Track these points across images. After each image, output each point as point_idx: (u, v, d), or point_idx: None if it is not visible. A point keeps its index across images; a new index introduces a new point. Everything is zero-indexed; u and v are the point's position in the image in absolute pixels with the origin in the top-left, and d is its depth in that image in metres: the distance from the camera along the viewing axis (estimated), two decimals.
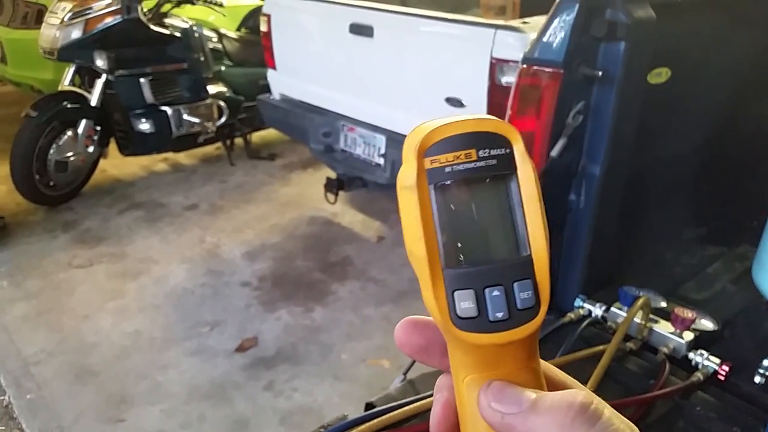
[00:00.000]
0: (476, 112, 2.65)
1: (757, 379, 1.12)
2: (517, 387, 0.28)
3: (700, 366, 1.18)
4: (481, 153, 0.28)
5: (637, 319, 1.25)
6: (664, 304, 1.34)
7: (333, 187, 3.31)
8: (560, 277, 1.46)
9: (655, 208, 1.69)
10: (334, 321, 2.78)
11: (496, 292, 0.27)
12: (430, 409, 0.99)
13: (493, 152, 0.28)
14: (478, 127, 0.28)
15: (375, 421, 0.96)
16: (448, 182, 0.28)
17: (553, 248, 1.45)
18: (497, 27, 2.51)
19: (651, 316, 1.27)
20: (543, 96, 1.29)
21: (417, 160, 0.29)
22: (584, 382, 0.94)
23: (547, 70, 1.28)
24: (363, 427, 0.95)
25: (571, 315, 1.33)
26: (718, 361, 1.17)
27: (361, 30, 2.98)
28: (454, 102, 2.70)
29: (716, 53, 1.64)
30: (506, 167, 0.28)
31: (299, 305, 2.88)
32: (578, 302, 1.37)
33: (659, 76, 1.52)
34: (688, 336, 1.23)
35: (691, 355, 1.21)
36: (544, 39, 1.28)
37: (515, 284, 0.28)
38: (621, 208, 1.46)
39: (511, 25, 2.54)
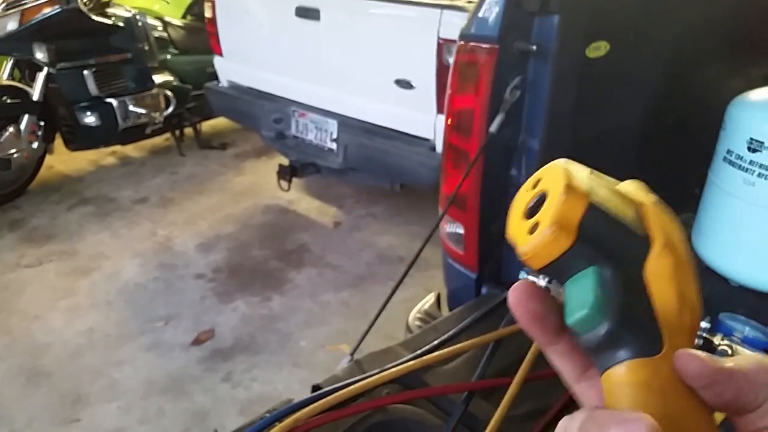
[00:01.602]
0: (425, 93, 2.65)
1: (696, 341, 1.15)
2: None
3: None
4: None
5: None
6: None
7: (286, 174, 3.29)
8: (505, 251, 1.48)
9: None
10: (292, 309, 2.77)
11: None
12: (376, 388, 0.99)
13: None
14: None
15: (320, 402, 0.96)
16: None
17: (498, 222, 1.47)
18: (443, 7, 2.52)
19: None
20: (480, 72, 1.30)
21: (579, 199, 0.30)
22: (524, 354, 0.95)
23: (483, 46, 1.28)
24: (308, 409, 0.95)
25: None
26: None
27: (307, 13, 2.96)
28: (404, 84, 2.70)
29: (655, 26, 1.67)
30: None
31: (256, 295, 2.86)
32: (522, 275, 1.39)
33: (597, 50, 1.54)
34: None
35: None
36: (479, 15, 1.29)
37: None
38: None
39: (456, 5, 2.55)
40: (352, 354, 1.24)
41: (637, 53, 1.63)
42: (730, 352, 1.11)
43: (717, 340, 1.14)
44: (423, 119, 2.67)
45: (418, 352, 1.15)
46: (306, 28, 2.99)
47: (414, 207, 3.52)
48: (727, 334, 1.15)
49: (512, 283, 1.11)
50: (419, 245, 1.55)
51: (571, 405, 1.05)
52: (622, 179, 0.34)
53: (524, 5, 1.25)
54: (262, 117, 3.29)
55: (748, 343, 1.13)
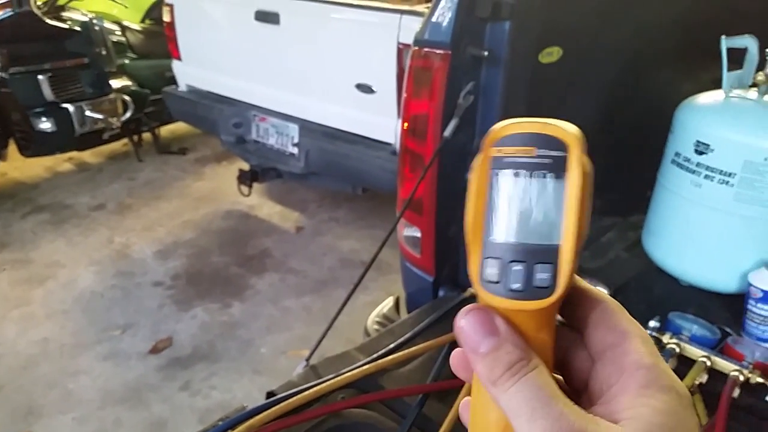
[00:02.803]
0: (386, 97, 2.64)
1: None
2: (499, 322, 0.32)
3: None
4: (539, 152, 0.32)
5: None
6: None
7: (246, 179, 3.26)
8: (462, 254, 1.49)
9: None
10: (252, 315, 2.75)
11: (517, 267, 0.32)
12: (331, 393, 0.98)
13: (551, 153, 0.32)
14: (544, 130, 0.32)
15: (274, 408, 0.96)
16: (506, 170, 0.32)
17: (455, 226, 1.49)
18: (402, 12, 2.54)
19: None
20: (434, 77, 1.31)
21: (485, 148, 0.33)
22: None
23: (436, 51, 1.29)
24: (262, 415, 0.94)
25: (471, 289, 1.36)
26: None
27: (266, 17, 2.94)
28: (365, 88, 2.71)
29: (608, 31, 1.70)
30: (558, 168, 0.32)
31: (216, 302, 2.83)
32: None
33: (550, 55, 1.57)
34: None
35: None
36: (433, 20, 1.30)
37: (537, 265, 0.32)
38: None
39: (415, 10, 2.57)
40: (307, 359, 1.23)
41: (589, 58, 1.67)
42: (678, 350, 1.14)
43: (666, 338, 1.17)
44: (384, 123, 2.68)
45: (375, 355, 1.15)
46: (266, 32, 2.97)
47: (376, 211, 3.53)
48: (676, 333, 1.18)
49: (468, 286, 1.11)
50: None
51: None
52: None
53: (476, 11, 1.26)
54: (221, 121, 3.26)
55: (696, 341, 1.17)
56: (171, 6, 3.37)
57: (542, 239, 0.32)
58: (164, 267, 3.09)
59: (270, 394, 1.03)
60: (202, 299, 2.84)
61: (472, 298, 1.24)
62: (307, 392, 0.99)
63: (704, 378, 1.08)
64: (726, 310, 1.36)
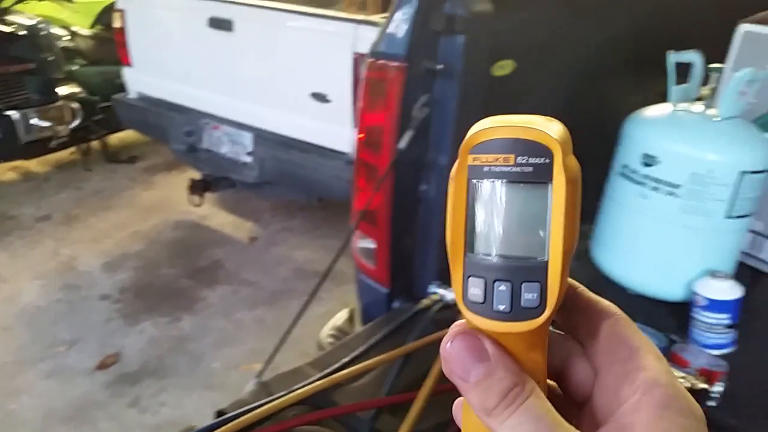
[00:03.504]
0: (341, 106, 2.65)
1: None
2: (488, 346, 0.30)
3: None
4: (519, 159, 0.29)
5: None
6: None
7: (198, 188, 3.20)
8: (416, 265, 1.49)
9: None
10: (203, 329, 2.69)
11: (502, 287, 0.30)
12: (282, 410, 0.96)
13: (531, 160, 0.29)
14: (522, 134, 0.29)
15: (224, 428, 0.93)
16: (484, 181, 0.30)
17: (410, 238, 1.48)
18: (358, 22, 2.54)
19: None
20: (389, 89, 1.31)
21: (462, 155, 0.31)
22: (431, 365, 0.95)
23: (391, 63, 1.29)
24: None
25: (425, 301, 1.36)
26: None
27: (220, 24, 2.91)
28: (320, 97, 2.70)
29: (560, 44, 1.74)
30: (541, 176, 0.29)
31: (165, 315, 2.75)
32: (433, 288, 1.41)
33: (503, 68, 1.59)
34: None
35: None
36: (388, 33, 1.30)
37: (523, 284, 0.30)
38: None
39: (371, 20, 2.58)
40: (258, 376, 1.21)
41: (542, 71, 1.70)
42: None
43: None
44: (339, 133, 2.67)
45: (327, 370, 1.14)
46: (219, 39, 2.93)
47: (332, 220, 3.51)
48: None
49: (423, 297, 1.10)
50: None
51: None
52: None
53: (430, 25, 1.27)
54: (172, 129, 3.20)
55: None
56: (122, 11, 3.30)
57: (527, 255, 0.30)
58: (112, 280, 3.00)
59: (220, 413, 1.00)
60: (150, 313, 2.76)
61: (427, 310, 1.24)
62: (257, 410, 0.97)
63: None
64: (672, 318, 1.39)
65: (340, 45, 2.56)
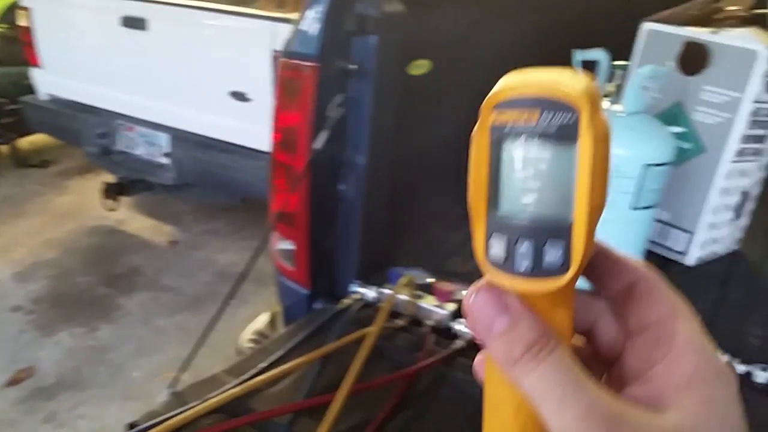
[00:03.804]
0: (261, 105, 2.60)
1: None
2: (512, 299, 0.29)
3: (461, 333, 1.27)
4: (544, 116, 0.28)
5: (405, 297, 1.32)
6: (431, 280, 1.42)
7: (112, 192, 3.09)
8: (337, 265, 1.49)
9: (425, 191, 1.79)
10: (122, 338, 2.59)
11: (525, 246, 0.29)
12: (196, 420, 0.94)
13: (557, 118, 0.28)
14: (548, 91, 0.28)
15: None
16: (508, 138, 0.29)
17: (329, 238, 1.48)
18: (277, 20, 2.51)
19: (417, 292, 1.34)
20: (303, 89, 1.30)
21: (484, 113, 0.30)
22: (351, 364, 0.95)
23: (304, 63, 1.29)
24: None
25: (346, 301, 1.36)
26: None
27: (133, 23, 2.81)
28: (239, 96, 2.65)
29: (475, 44, 1.77)
30: (567, 134, 0.28)
31: (82, 325, 2.64)
32: (353, 288, 1.41)
33: (419, 67, 1.61)
34: (451, 307, 1.32)
35: (453, 324, 1.29)
36: (300, 32, 1.29)
37: (547, 243, 0.29)
38: (390, 193, 1.52)
39: (290, 18, 2.55)
40: (173, 385, 1.17)
41: (458, 70, 1.73)
42: None
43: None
44: (260, 132, 2.63)
45: (244, 377, 1.12)
46: (133, 39, 2.84)
47: (256, 221, 3.45)
48: None
49: (344, 297, 1.10)
50: (262, 261, 1.52)
51: (394, 415, 1.07)
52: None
53: (343, 25, 1.27)
54: (85, 132, 3.07)
55: None
56: (27, 9, 3.13)
57: (552, 214, 0.29)
58: (24, 290, 2.85)
59: (131, 426, 0.97)
60: (66, 323, 2.64)
61: (347, 310, 1.24)
62: (170, 421, 0.94)
63: None
64: None
65: (258, 43, 2.52)
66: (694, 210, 1.51)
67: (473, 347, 1.27)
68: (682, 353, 0.29)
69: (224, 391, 1.06)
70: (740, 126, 1.42)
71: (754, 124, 1.44)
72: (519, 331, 0.29)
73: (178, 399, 1.04)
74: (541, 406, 0.28)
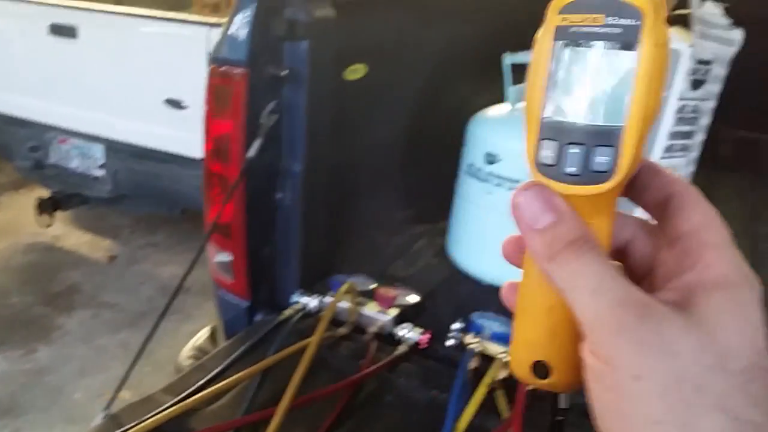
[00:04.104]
0: (198, 112, 2.56)
1: (449, 342, 1.23)
2: (558, 200, 0.31)
3: (404, 339, 1.27)
4: (608, 19, 0.29)
5: (347, 304, 1.30)
6: (373, 286, 1.41)
7: (46, 207, 2.97)
8: (277, 275, 1.46)
9: (366, 195, 1.78)
10: (62, 359, 2.49)
11: (575, 150, 0.30)
12: None
13: (621, 21, 0.28)
14: None
15: None
16: (571, 41, 0.29)
17: (269, 247, 1.45)
18: (211, 25, 2.46)
19: (359, 299, 1.33)
20: (233, 97, 1.27)
21: (550, 15, 0.30)
22: (292, 374, 0.93)
23: (233, 69, 1.26)
24: None
25: (287, 311, 1.34)
26: (420, 331, 1.26)
27: (62, 31, 2.71)
28: (175, 104, 2.59)
29: (410, 48, 1.77)
30: (629, 39, 0.28)
31: (18, 348, 2.52)
32: (295, 297, 1.38)
33: (355, 72, 1.60)
34: (393, 312, 1.31)
35: (396, 329, 1.29)
36: (228, 37, 1.26)
37: (596, 148, 0.29)
38: (330, 199, 1.51)
39: (224, 23, 2.50)
40: (106, 409, 1.13)
41: (394, 74, 1.73)
42: (479, 348, 1.20)
43: (468, 338, 1.23)
44: (198, 140, 2.56)
45: (182, 395, 1.08)
46: (62, 47, 2.74)
47: (198, 233, 3.35)
48: (478, 332, 1.25)
49: (286, 308, 1.07)
50: (205, 273, 1.48)
51: (338, 425, 1.06)
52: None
53: (273, 30, 1.25)
54: (15, 145, 2.95)
55: (496, 338, 1.23)
56: None
57: (605, 120, 0.29)
58: None
59: None
60: (1, 346, 2.52)
61: (288, 320, 1.21)
62: None
63: (505, 373, 1.14)
64: None
65: (193, 49, 2.46)
66: (626, 205, 1.55)
67: (416, 353, 1.26)
68: (712, 260, 0.30)
69: (161, 411, 1.02)
70: (667, 123, 1.46)
71: (681, 120, 1.49)
72: (562, 228, 0.30)
73: (114, 421, 1.00)
74: (575, 296, 0.29)
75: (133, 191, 2.79)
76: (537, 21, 0.34)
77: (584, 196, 0.30)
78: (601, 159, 0.30)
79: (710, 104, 1.60)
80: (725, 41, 1.53)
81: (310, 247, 1.46)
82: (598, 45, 0.29)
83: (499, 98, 1.58)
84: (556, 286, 0.30)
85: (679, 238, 0.32)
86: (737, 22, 1.55)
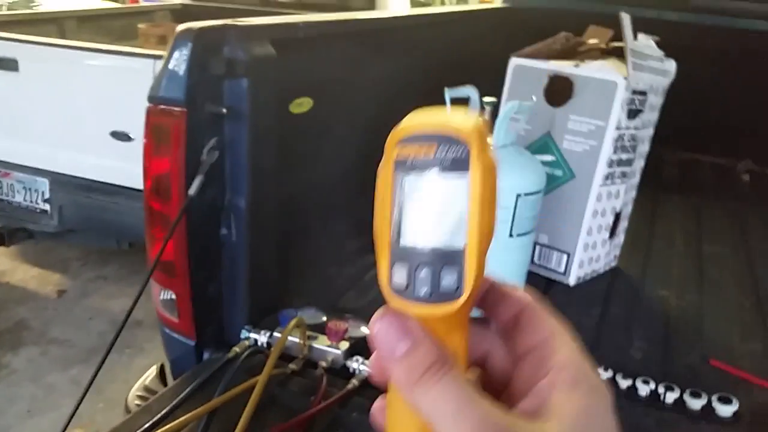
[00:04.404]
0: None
1: None
2: (413, 325, 0.31)
3: (357, 372, 1.26)
4: (440, 150, 0.31)
5: (296, 339, 1.29)
6: (324, 319, 1.41)
7: None
8: (225, 312, 1.44)
9: (315, 227, 1.78)
10: (10, 399, 2.41)
11: (424, 272, 0.31)
12: None
13: (451, 151, 0.31)
14: (442, 128, 0.31)
15: None
16: (408, 172, 0.32)
17: (215, 283, 1.44)
18: (156, 57, 2.44)
19: (310, 333, 1.32)
20: (172, 135, 1.26)
21: (389, 148, 0.32)
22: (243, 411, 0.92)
23: (171, 108, 1.25)
24: None
25: (236, 348, 1.32)
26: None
27: (2, 64, 2.66)
28: (121, 136, 2.55)
29: (356, 81, 1.79)
30: (460, 166, 0.31)
31: None
32: (244, 334, 1.37)
33: (301, 105, 1.60)
34: (344, 345, 1.31)
35: (348, 362, 1.28)
36: (165, 76, 1.25)
37: (443, 269, 0.31)
38: (277, 234, 1.50)
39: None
40: None
41: (341, 107, 1.74)
42: None
43: None
44: None
45: None
46: (3, 80, 2.68)
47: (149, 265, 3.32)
48: None
49: (235, 344, 1.05)
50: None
51: None
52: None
53: (211, 68, 1.25)
54: None
55: None
56: None
57: (447, 242, 0.31)
58: None
59: None
60: None
61: (237, 358, 1.19)
62: None
63: None
64: None
65: (140, 81, 2.42)
66: (570, 232, 1.58)
67: (368, 386, 1.26)
68: (561, 369, 0.32)
69: None
70: (606, 152, 1.50)
71: (619, 149, 1.54)
72: (419, 353, 0.31)
73: None
74: (439, 421, 0.30)
75: (80, 225, 2.74)
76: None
77: (438, 316, 0.32)
78: (448, 279, 0.31)
79: (648, 132, 1.65)
80: (660, 72, 1.59)
81: (258, 282, 1.45)
82: (433, 173, 0.32)
83: None
84: (420, 414, 0.31)
85: (531, 351, 0.34)
86: (668, 54, 1.62)
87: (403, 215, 0.32)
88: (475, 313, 0.35)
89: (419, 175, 0.32)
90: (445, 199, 0.32)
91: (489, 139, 0.32)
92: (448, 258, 0.31)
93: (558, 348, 0.33)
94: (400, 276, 0.32)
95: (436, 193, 0.32)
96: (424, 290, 0.32)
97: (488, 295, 0.36)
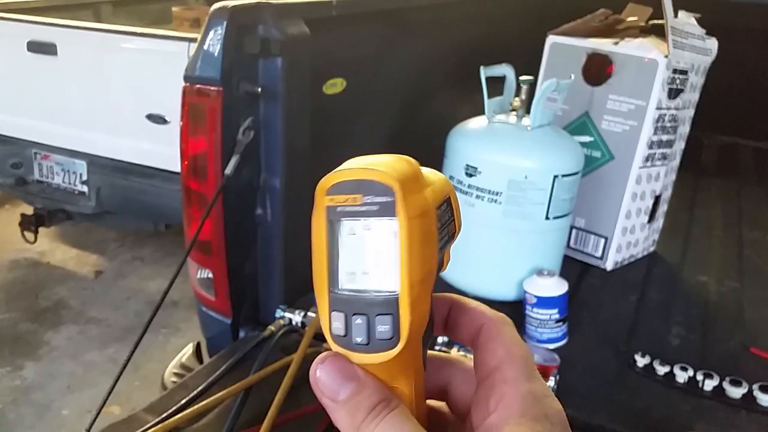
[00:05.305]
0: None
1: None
2: (355, 368, 0.31)
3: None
4: (366, 198, 0.31)
5: None
6: None
7: (30, 224, 2.95)
8: (261, 291, 1.46)
9: None
10: (50, 375, 2.48)
11: (359, 321, 0.31)
12: None
13: (377, 199, 0.31)
14: (366, 175, 0.31)
15: None
16: (338, 220, 0.31)
17: (251, 263, 1.45)
18: (191, 40, 2.45)
19: None
20: (209, 115, 1.27)
21: (318, 197, 0.32)
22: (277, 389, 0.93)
23: (208, 88, 1.26)
24: None
25: (271, 327, 1.33)
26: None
27: (41, 48, 2.70)
28: (157, 119, 2.58)
29: (388, 62, 1.77)
30: (387, 212, 0.30)
31: (4, 365, 2.51)
32: (279, 313, 1.38)
33: (334, 86, 1.60)
34: None
35: None
36: (201, 56, 1.26)
37: (377, 317, 0.31)
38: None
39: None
40: (89, 428, 1.12)
41: (373, 88, 1.73)
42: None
43: (453, 351, 1.23)
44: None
45: (164, 415, 1.08)
46: (42, 64, 2.72)
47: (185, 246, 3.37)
48: (462, 346, 1.25)
49: (270, 323, 1.06)
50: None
51: None
52: None
53: (246, 48, 1.25)
54: None
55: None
56: None
57: (380, 289, 0.31)
58: None
59: None
60: None
61: (272, 336, 1.20)
62: None
63: None
64: (510, 317, 1.47)
65: (174, 64, 2.45)
66: (608, 216, 1.56)
67: None
68: (512, 398, 0.31)
69: (144, 431, 1.02)
70: (647, 132, 1.47)
71: (660, 130, 1.50)
72: (362, 395, 0.30)
73: None
74: None
75: (117, 207, 2.78)
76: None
77: (377, 364, 0.31)
78: (382, 327, 0.31)
79: (689, 113, 1.61)
80: (701, 50, 1.54)
81: (292, 262, 1.46)
82: (362, 221, 0.31)
83: (479, 110, 1.59)
84: None
85: (487, 376, 0.33)
86: (710, 32, 1.57)
87: (338, 262, 0.32)
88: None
89: (350, 222, 0.31)
90: (375, 246, 0.31)
91: (418, 180, 0.32)
92: (382, 305, 0.31)
93: (508, 376, 0.32)
94: (338, 324, 0.32)
95: (366, 240, 0.31)
96: (359, 339, 0.31)
97: (451, 313, 0.35)
